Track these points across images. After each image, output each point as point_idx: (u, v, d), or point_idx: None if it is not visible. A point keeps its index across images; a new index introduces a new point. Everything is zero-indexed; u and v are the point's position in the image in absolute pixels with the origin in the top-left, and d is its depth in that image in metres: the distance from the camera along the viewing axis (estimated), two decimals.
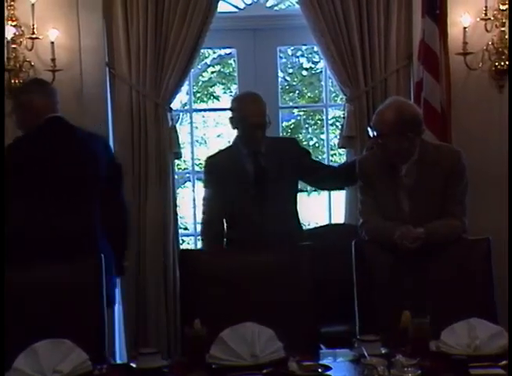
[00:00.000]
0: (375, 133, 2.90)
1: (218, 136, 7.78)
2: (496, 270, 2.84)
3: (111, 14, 3.84)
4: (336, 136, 4.10)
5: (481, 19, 3.78)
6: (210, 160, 3.38)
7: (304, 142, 7.60)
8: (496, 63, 3.84)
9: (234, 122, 3.29)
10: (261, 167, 3.27)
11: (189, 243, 5.98)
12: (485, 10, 3.76)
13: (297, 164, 3.34)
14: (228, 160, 3.28)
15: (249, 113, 3.22)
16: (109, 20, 3.85)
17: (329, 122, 4.75)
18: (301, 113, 7.49)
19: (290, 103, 6.96)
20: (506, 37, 3.78)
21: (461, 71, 3.83)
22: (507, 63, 3.80)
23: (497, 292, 2.80)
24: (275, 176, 3.25)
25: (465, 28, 3.73)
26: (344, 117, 3.96)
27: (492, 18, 3.79)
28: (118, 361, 3.34)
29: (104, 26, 3.83)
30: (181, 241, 4.59)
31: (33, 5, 3.66)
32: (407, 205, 2.92)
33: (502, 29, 3.78)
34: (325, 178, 3.45)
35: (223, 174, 3.25)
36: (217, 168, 3.29)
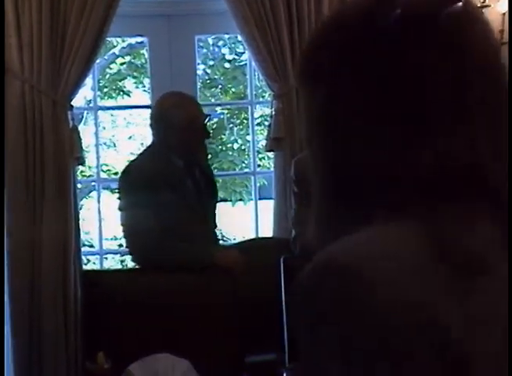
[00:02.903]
0: None
1: (130, 138, 7.72)
2: None
3: None
4: (265, 138, 4.13)
5: None
6: (135, 166, 3.24)
7: (229, 145, 7.66)
8: None
9: (165, 129, 3.18)
10: (199, 182, 3.25)
11: (95, 263, 5.90)
12: None
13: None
14: (162, 171, 3.13)
15: (190, 115, 3.18)
16: None
17: (256, 121, 4.80)
18: (225, 111, 7.53)
19: (212, 100, 7.00)
20: None
21: None
22: None
23: None
24: (209, 190, 3.28)
25: None
26: (271, 116, 3.99)
27: None
28: None
29: None
30: (85, 261, 4.52)
31: None
32: None
33: None
34: None
35: (157, 186, 3.07)
36: (147, 177, 3.10)
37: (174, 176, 3.16)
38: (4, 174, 3.71)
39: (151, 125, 3.30)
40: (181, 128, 3.15)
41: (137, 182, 3.11)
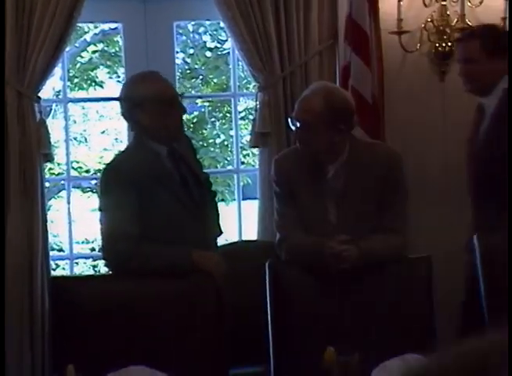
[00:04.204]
0: (297, 125, 2.93)
1: (103, 133, 7.70)
2: (437, 293, 2.94)
3: None
4: (249, 133, 4.13)
5: None
6: (115, 162, 3.17)
7: (210, 140, 7.66)
8: (437, 44, 3.97)
9: (134, 108, 3.09)
10: (185, 176, 3.22)
11: (65, 268, 5.87)
12: None
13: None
14: (144, 163, 3.06)
15: (158, 86, 3.12)
16: None
17: (240, 115, 4.80)
18: (206, 103, 7.53)
19: (192, 92, 6.99)
20: (448, 12, 3.91)
21: (396, 54, 3.94)
22: (449, 44, 3.93)
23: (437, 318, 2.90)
24: (202, 188, 3.25)
25: (399, 1, 3.83)
26: (256, 109, 4.00)
27: None
28: None
29: None
30: (53, 266, 4.51)
31: None
32: (334, 216, 2.96)
33: (443, 3, 3.91)
34: None
35: (140, 181, 3.00)
36: (128, 172, 3.02)
37: (158, 167, 3.09)
38: (4, 174, 3.73)
39: (122, 113, 3.23)
40: (149, 101, 3.06)
41: (118, 180, 3.02)
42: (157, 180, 3.03)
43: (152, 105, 3.07)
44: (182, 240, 3.02)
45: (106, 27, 6.58)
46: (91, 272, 6.88)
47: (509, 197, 3.78)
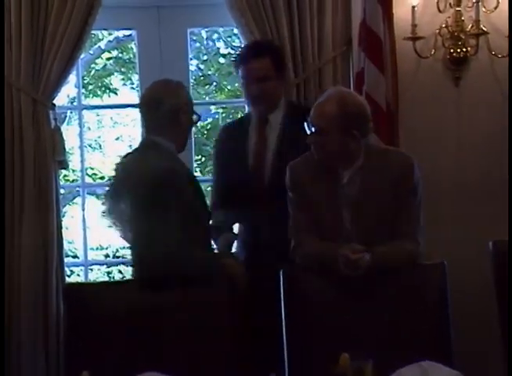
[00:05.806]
0: (313, 130, 2.95)
1: (117, 139, 7.72)
2: (451, 300, 2.93)
3: None
4: None
5: None
6: (164, 170, 3.07)
7: None
8: (452, 50, 3.96)
9: (179, 113, 3.21)
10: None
11: (79, 274, 5.90)
12: None
13: None
14: (179, 167, 3.19)
15: (188, 93, 3.30)
16: None
17: None
18: (220, 110, 7.53)
19: (206, 98, 7.00)
20: (463, 18, 3.90)
21: (410, 60, 3.93)
22: (464, 50, 3.93)
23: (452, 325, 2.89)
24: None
25: (414, 7, 3.83)
26: None
27: None
28: None
29: None
30: (68, 272, 4.52)
31: None
32: (349, 222, 2.97)
33: (458, 9, 3.90)
34: None
35: (182, 184, 3.08)
36: (173, 178, 3.06)
37: (187, 173, 3.18)
38: (4, 174, 3.76)
39: (161, 117, 3.18)
40: (187, 103, 3.21)
41: (167, 186, 2.98)
42: (189, 186, 3.07)
43: (188, 107, 3.20)
44: (206, 241, 3.05)
45: (120, 34, 6.61)
46: (106, 278, 6.91)
47: (509, 197, 3.77)
